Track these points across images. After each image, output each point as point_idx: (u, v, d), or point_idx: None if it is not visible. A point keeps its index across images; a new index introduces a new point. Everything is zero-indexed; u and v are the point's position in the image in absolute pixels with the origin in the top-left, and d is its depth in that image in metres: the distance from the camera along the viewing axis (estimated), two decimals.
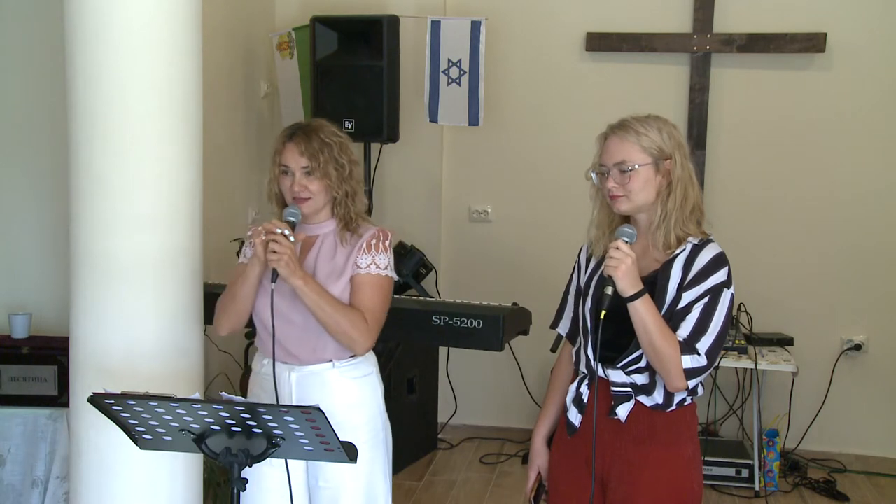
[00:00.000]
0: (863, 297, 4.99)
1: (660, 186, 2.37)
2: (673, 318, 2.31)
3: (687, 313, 2.30)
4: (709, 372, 2.34)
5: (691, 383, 2.31)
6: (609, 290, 2.28)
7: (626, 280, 2.27)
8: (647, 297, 2.28)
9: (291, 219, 2.61)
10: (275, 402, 2.62)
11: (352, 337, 2.61)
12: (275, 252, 2.51)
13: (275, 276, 2.54)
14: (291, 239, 2.56)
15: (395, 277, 2.74)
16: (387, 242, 2.69)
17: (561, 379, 2.60)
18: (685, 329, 2.29)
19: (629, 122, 2.39)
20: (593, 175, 2.44)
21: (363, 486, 2.69)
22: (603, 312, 2.28)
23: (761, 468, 4.58)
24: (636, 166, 2.34)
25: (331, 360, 2.67)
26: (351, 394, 2.69)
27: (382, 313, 2.70)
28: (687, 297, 2.31)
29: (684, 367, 2.27)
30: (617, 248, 2.29)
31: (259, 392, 2.75)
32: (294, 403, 2.63)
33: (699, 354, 2.28)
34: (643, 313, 2.27)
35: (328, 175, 2.64)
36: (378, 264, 2.66)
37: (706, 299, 2.31)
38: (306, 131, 2.67)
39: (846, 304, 5.01)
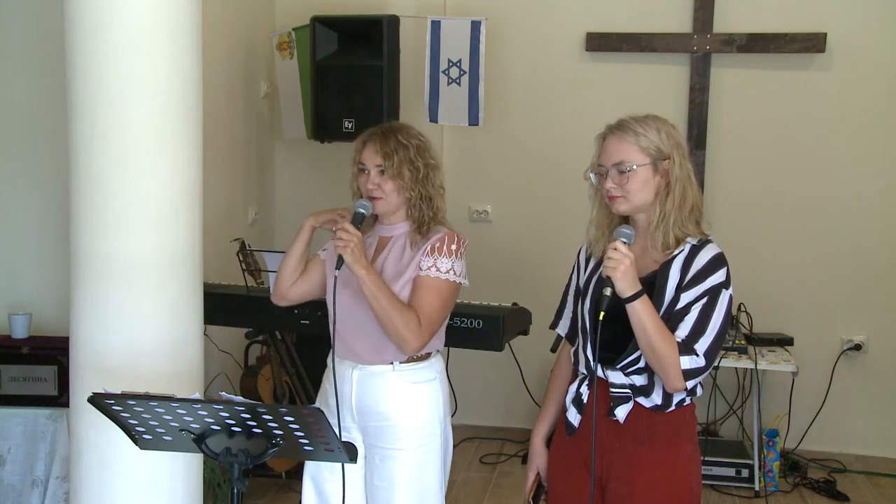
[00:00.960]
0: (863, 297, 4.99)
1: (658, 187, 2.37)
2: (671, 318, 2.31)
3: (685, 314, 2.30)
4: (707, 372, 2.34)
5: (690, 384, 2.31)
6: (608, 291, 2.28)
7: (624, 281, 2.27)
8: (645, 297, 2.28)
9: (361, 210, 2.64)
10: (343, 398, 2.67)
11: (402, 335, 2.60)
12: (341, 239, 2.53)
13: (340, 262, 2.55)
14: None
15: (462, 282, 2.72)
16: (453, 246, 2.68)
17: (560, 379, 2.59)
18: (683, 330, 2.29)
19: (627, 122, 2.39)
20: (592, 175, 2.44)
21: (414, 487, 2.69)
22: (602, 313, 2.28)
23: (761, 468, 4.58)
24: (634, 167, 2.34)
25: (391, 362, 2.67)
26: (409, 398, 2.68)
27: (438, 317, 2.67)
28: (685, 298, 2.31)
29: (683, 367, 2.27)
30: (615, 249, 2.29)
31: (326, 384, 2.79)
32: (353, 401, 2.69)
33: (697, 355, 2.28)
34: (642, 314, 2.27)
35: (401, 176, 2.65)
36: (439, 267, 2.65)
37: (705, 300, 2.30)
38: (385, 132, 2.70)
39: (846, 304, 5.01)
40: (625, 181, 2.35)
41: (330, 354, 2.79)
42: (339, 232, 2.55)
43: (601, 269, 2.36)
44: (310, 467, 2.77)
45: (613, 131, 2.39)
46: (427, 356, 2.73)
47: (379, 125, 2.76)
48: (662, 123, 2.39)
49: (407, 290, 2.66)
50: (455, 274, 2.69)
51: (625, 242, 2.31)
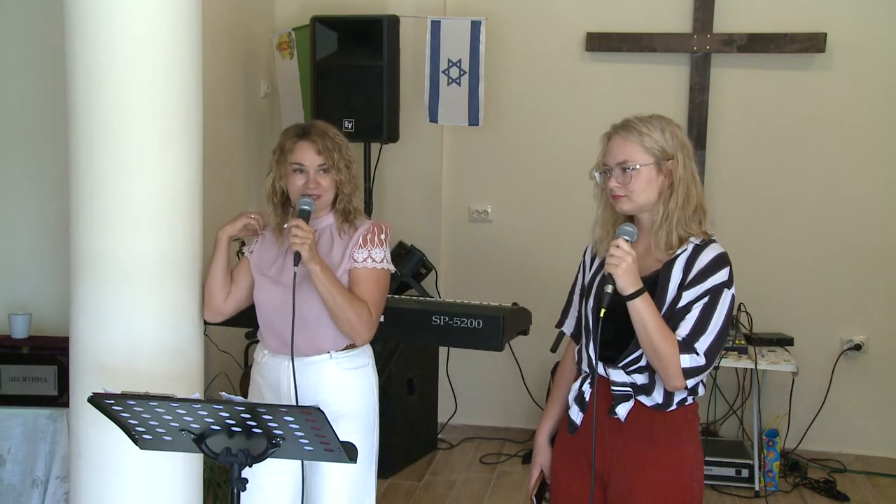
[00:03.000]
0: (863, 297, 4.99)
1: (662, 186, 2.37)
2: (673, 317, 2.31)
3: (687, 312, 2.30)
4: (708, 372, 2.34)
5: (690, 382, 2.31)
6: (609, 289, 2.28)
7: (625, 278, 2.27)
8: (646, 295, 2.28)
9: (306, 208, 2.69)
10: (279, 392, 2.74)
11: (356, 327, 2.69)
12: (297, 236, 2.59)
13: (297, 259, 2.61)
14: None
15: (392, 270, 2.82)
16: (382, 236, 2.77)
17: (564, 377, 2.60)
18: (684, 328, 2.29)
19: (632, 122, 2.39)
20: (597, 174, 2.44)
21: (346, 473, 2.72)
22: (603, 310, 2.28)
23: (761, 468, 4.58)
24: (638, 166, 2.34)
25: (328, 352, 2.75)
26: (346, 384, 2.77)
27: (381, 305, 2.79)
28: (687, 297, 2.31)
29: (683, 366, 2.27)
30: (617, 247, 2.29)
31: (259, 379, 2.86)
32: (290, 394, 2.74)
33: (698, 354, 2.28)
34: (642, 312, 2.27)
35: (341, 172, 2.75)
36: (374, 258, 2.74)
37: (706, 299, 2.31)
38: (318, 130, 2.77)
39: (846, 304, 5.01)
40: (628, 180, 2.35)
41: (258, 349, 2.88)
42: (294, 229, 2.61)
43: (604, 266, 2.37)
44: None
45: (618, 131, 2.39)
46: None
47: (300, 125, 2.83)
48: (667, 123, 2.39)
49: (343, 281, 2.73)
50: (387, 262, 2.78)
51: (627, 240, 2.31)
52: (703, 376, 2.34)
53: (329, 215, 2.81)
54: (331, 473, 2.73)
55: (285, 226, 2.70)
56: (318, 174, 2.74)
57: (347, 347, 2.78)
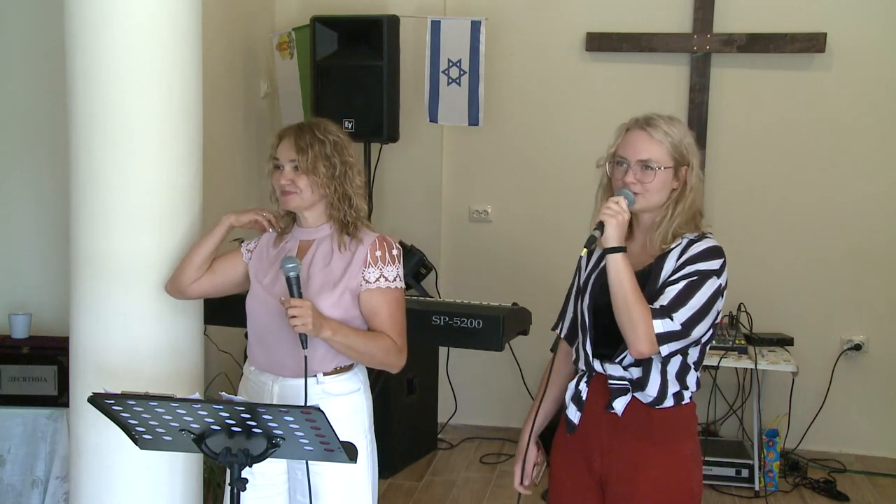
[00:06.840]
0: (863, 297, 4.99)
1: (672, 191, 2.37)
2: (657, 294, 2.31)
3: (670, 285, 2.30)
4: (686, 342, 2.31)
5: (664, 350, 2.28)
6: (597, 233, 2.28)
7: (616, 231, 2.28)
8: (626, 255, 2.29)
9: (292, 274, 2.45)
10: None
11: (386, 363, 2.59)
12: (294, 317, 2.41)
13: (305, 342, 2.45)
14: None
15: (403, 286, 2.63)
16: (394, 252, 2.59)
17: (559, 376, 2.57)
18: (665, 298, 2.29)
19: (657, 120, 2.38)
20: (608, 165, 2.43)
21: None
22: (585, 250, 2.30)
23: (761, 468, 4.58)
24: (662, 168, 2.34)
25: (314, 374, 2.56)
26: (333, 411, 2.43)
27: (404, 325, 2.62)
28: (675, 275, 2.32)
29: (656, 331, 2.25)
30: (616, 203, 2.30)
31: (244, 396, 2.69)
32: None
33: (672, 320, 2.26)
34: (622, 268, 2.27)
35: (316, 171, 2.54)
36: (386, 277, 2.56)
37: (694, 278, 2.30)
38: (301, 127, 2.61)
39: (846, 304, 5.01)
40: (648, 178, 2.34)
41: (246, 363, 2.73)
42: (290, 310, 2.41)
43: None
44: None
45: (644, 126, 2.37)
46: (350, 367, 2.61)
47: (298, 122, 2.68)
48: (686, 129, 2.40)
49: (346, 299, 2.55)
50: (400, 279, 2.60)
51: (626, 202, 2.32)
52: (679, 345, 2.30)
53: (325, 225, 2.62)
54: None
55: (281, 300, 2.48)
56: (291, 171, 2.55)
57: (337, 371, 2.59)
